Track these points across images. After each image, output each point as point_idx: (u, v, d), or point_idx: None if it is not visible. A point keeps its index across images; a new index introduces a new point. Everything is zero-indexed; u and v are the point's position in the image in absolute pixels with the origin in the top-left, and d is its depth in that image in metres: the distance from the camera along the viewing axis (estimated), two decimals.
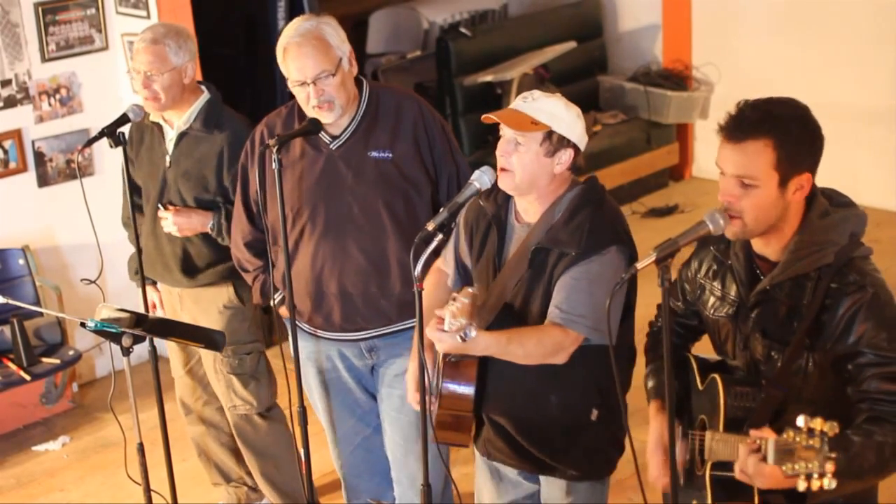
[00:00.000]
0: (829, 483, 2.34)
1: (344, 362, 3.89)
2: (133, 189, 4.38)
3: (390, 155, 3.68)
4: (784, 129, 2.66)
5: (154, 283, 4.49)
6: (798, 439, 2.36)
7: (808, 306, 2.71)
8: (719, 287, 2.92)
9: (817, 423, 2.35)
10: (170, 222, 4.16)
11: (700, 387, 2.95)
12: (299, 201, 3.71)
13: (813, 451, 2.34)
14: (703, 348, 3.16)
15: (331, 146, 3.70)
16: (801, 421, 2.37)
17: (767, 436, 2.48)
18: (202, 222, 4.14)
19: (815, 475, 2.34)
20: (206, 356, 4.37)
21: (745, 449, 2.55)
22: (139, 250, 4.23)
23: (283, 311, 3.86)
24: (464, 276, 3.43)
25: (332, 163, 3.70)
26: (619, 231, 3.17)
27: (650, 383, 3.13)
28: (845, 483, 2.45)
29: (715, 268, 2.95)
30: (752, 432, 2.55)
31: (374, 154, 3.68)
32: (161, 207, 4.22)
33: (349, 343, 3.84)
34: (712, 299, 2.95)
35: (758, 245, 2.82)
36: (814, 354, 2.73)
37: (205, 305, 4.31)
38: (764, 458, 2.49)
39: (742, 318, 2.85)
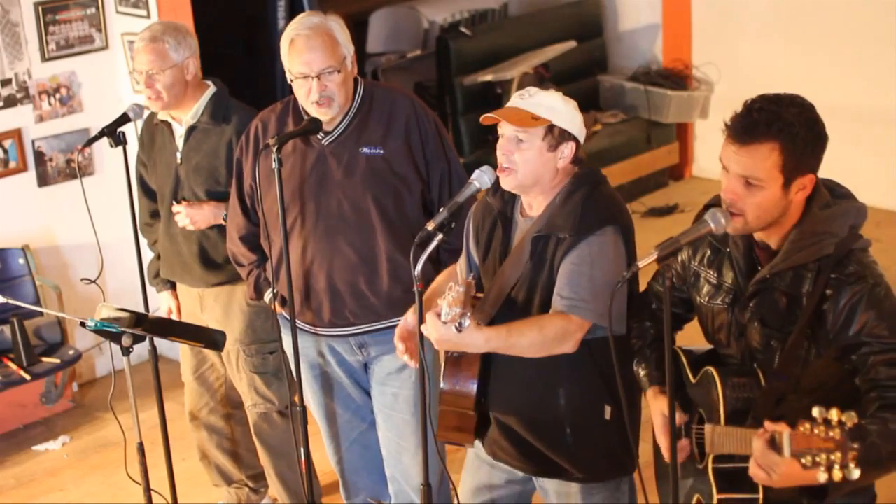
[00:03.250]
0: (851, 472, 2.34)
1: (335, 357, 3.90)
2: (149, 194, 4.38)
3: (381, 151, 3.68)
4: (791, 132, 2.66)
5: (173, 288, 4.48)
6: (816, 431, 2.36)
7: (809, 296, 2.72)
8: (715, 274, 2.92)
9: (834, 414, 2.35)
10: (183, 215, 4.15)
11: (693, 380, 2.95)
12: (290, 196, 3.70)
13: (833, 442, 2.34)
14: (692, 337, 3.15)
15: (322, 142, 3.71)
16: (816, 412, 2.37)
17: (782, 429, 2.48)
18: (215, 213, 4.12)
19: (837, 466, 2.34)
20: (228, 355, 4.35)
21: (759, 442, 2.55)
22: (137, 253, 4.20)
23: (276, 307, 3.87)
24: (477, 275, 3.41)
25: (323, 159, 3.71)
26: (613, 211, 3.15)
27: (641, 371, 3.12)
28: (865, 473, 2.45)
29: (710, 255, 2.94)
30: (767, 425, 2.55)
31: (366, 150, 3.68)
32: (175, 203, 4.21)
33: (339, 339, 3.84)
34: (707, 286, 2.94)
35: (759, 234, 2.82)
36: (815, 344, 2.73)
37: (227, 305, 4.28)
38: (779, 452, 2.49)
39: (739, 306, 2.86)
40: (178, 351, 5.07)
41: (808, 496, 2.66)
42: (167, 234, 4.30)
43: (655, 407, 3.01)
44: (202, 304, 4.35)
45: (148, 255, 4.47)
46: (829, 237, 2.73)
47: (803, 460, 2.38)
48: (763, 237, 2.81)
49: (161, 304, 4.54)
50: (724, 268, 2.90)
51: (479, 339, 3.02)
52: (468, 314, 2.93)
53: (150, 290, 4.40)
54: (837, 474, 2.34)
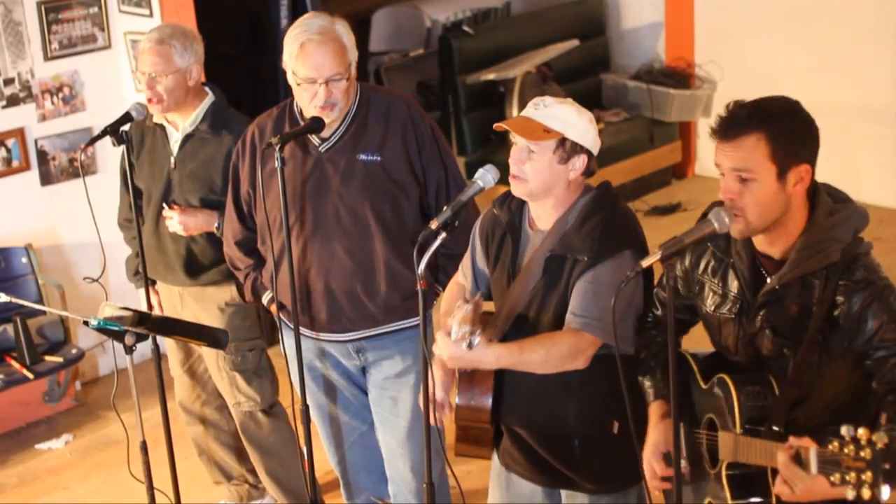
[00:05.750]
0: (883, 491, 2.34)
1: (330, 360, 3.90)
2: (134, 191, 4.38)
3: (379, 158, 3.67)
4: (774, 120, 2.68)
5: (153, 284, 4.49)
6: (846, 450, 2.35)
7: (819, 304, 2.72)
8: (719, 284, 2.92)
9: (864, 434, 2.34)
10: (175, 221, 4.15)
11: (703, 386, 2.95)
12: (288, 203, 3.68)
13: (863, 462, 2.33)
14: (697, 340, 3.15)
15: (320, 148, 3.69)
16: (845, 431, 2.36)
17: (808, 444, 2.48)
18: (208, 221, 4.14)
19: (867, 485, 2.33)
20: (209, 354, 4.37)
21: (784, 457, 2.54)
22: (140, 252, 4.20)
23: (275, 309, 3.87)
24: (481, 288, 3.39)
25: (321, 165, 3.69)
26: (632, 235, 3.15)
27: (647, 382, 3.12)
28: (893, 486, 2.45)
29: (714, 265, 2.94)
30: (792, 440, 2.54)
31: (363, 157, 3.67)
32: (166, 207, 4.21)
33: (337, 343, 3.84)
34: (712, 296, 2.94)
35: (762, 244, 2.82)
36: (828, 351, 2.73)
37: (206, 304, 4.31)
38: (803, 467, 2.49)
39: (747, 316, 2.85)
40: None
41: None
42: (154, 234, 4.31)
43: (654, 431, 3.00)
44: (182, 301, 4.37)
45: None
46: (835, 243, 2.73)
47: (832, 478, 2.37)
48: (766, 247, 2.81)
49: (141, 301, 4.55)
50: (729, 277, 2.90)
51: (491, 357, 3.02)
52: (478, 332, 2.92)
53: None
54: (866, 493, 2.34)
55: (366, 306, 3.74)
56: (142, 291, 4.38)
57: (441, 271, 3.74)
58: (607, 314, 2.98)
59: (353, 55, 3.62)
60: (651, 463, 2.97)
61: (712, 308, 2.94)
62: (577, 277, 3.09)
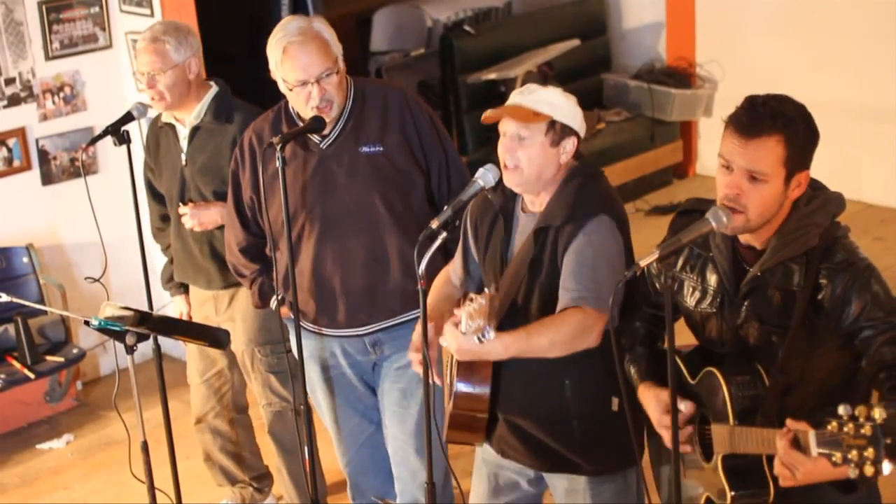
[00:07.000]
0: (885, 467, 2.34)
1: (347, 358, 3.89)
2: (158, 198, 4.37)
3: (381, 148, 3.68)
4: (794, 126, 2.70)
5: (186, 292, 4.48)
6: (846, 429, 2.36)
7: (802, 289, 2.74)
8: (698, 280, 2.93)
9: (862, 411, 2.35)
10: (189, 217, 4.15)
11: (691, 380, 2.95)
12: (295, 203, 3.68)
13: (864, 439, 2.34)
14: (682, 339, 3.13)
15: (321, 146, 3.70)
16: (842, 410, 2.36)
17: (805, 428, 2.49)
18: (222, 213, 4.09)
19: (869, 462, 2.34)
20: (241, 356, 4.35)
21: (783, 441, 2.55)
22: (142, 253, 4.18)
23: (284, 311, 3.85)
24: (471, 273, 3.41)
25: (324, 162, 3.69)
26: (607, 201, 3.15)
27: (632, 369, 3.10)
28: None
29: (691, 261, 2.95)
30: (789, 423, 2.55)
31: (366, 149, 3.68)
32: (181, 205, 4.20)
33: (353, 339, 3.84)
34: (692, 292, 2.95)
35: (744, 236, 2.83)
36: (815, 335, 2.75)
37: (242, 305, 4.28)
38: (803, 451, 2.49)
39: (731, 308, 2.86)
40: (183, 349, 5.08)
41: (837, 488, 2.66)
42: (178, 237, 4.30)
43: (649, 396, 2.98)
44: (217, 305, 4.35)
45: (151, 253, 4.46)
46: (814, 228, 2.76)
47: (833, 458, 2.38)
48: (749, 239, 2.82)
49: (174, 309, 4.54)
50: (708, 272, 2.91)
51: (499, 347, 2.99)
52: (491, 326, 2.88)
53: (155, 288, 4.41)
54: (869, 470, 2.34)
55: (383, 298, 3.74)
56: (144, 292, 4.36)
57: (451, 256, 3.75)
58: (599, 285, 3.01)
59: (338, 48, 3.62)
60: (662, 420, 2.94)
61: (693, 304, 2.95)
62: (563, 250, 3.09)
